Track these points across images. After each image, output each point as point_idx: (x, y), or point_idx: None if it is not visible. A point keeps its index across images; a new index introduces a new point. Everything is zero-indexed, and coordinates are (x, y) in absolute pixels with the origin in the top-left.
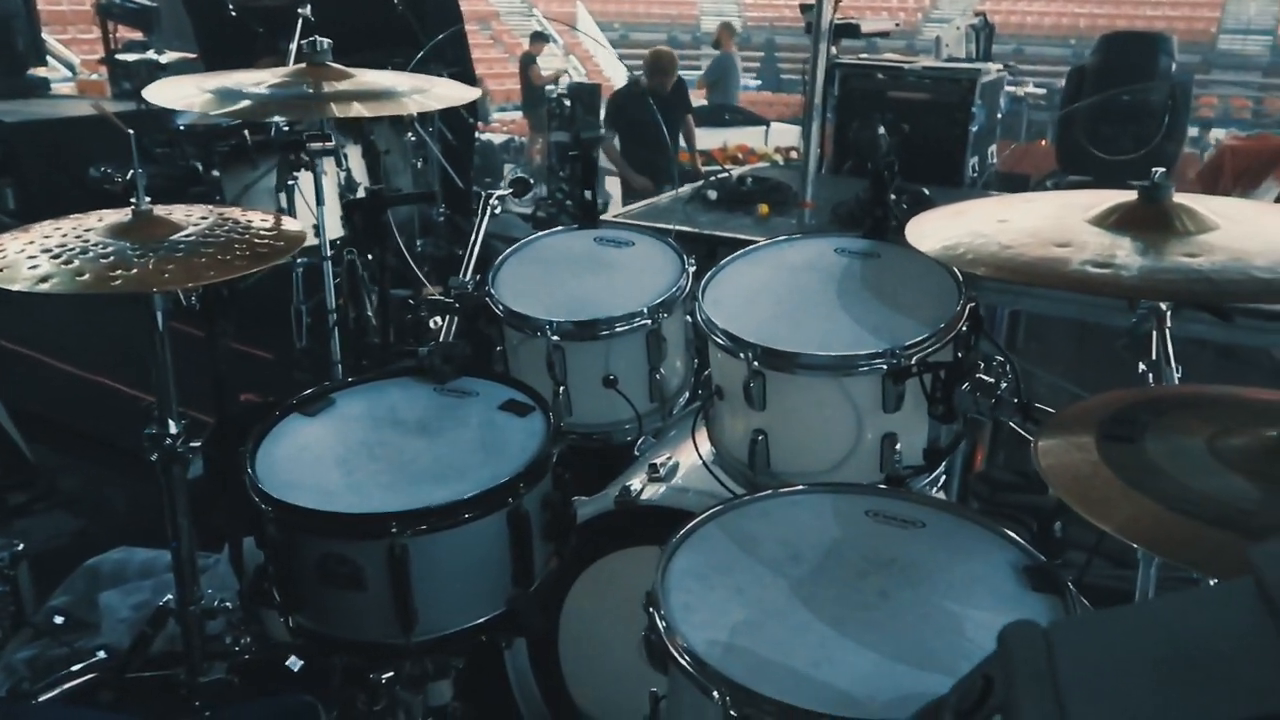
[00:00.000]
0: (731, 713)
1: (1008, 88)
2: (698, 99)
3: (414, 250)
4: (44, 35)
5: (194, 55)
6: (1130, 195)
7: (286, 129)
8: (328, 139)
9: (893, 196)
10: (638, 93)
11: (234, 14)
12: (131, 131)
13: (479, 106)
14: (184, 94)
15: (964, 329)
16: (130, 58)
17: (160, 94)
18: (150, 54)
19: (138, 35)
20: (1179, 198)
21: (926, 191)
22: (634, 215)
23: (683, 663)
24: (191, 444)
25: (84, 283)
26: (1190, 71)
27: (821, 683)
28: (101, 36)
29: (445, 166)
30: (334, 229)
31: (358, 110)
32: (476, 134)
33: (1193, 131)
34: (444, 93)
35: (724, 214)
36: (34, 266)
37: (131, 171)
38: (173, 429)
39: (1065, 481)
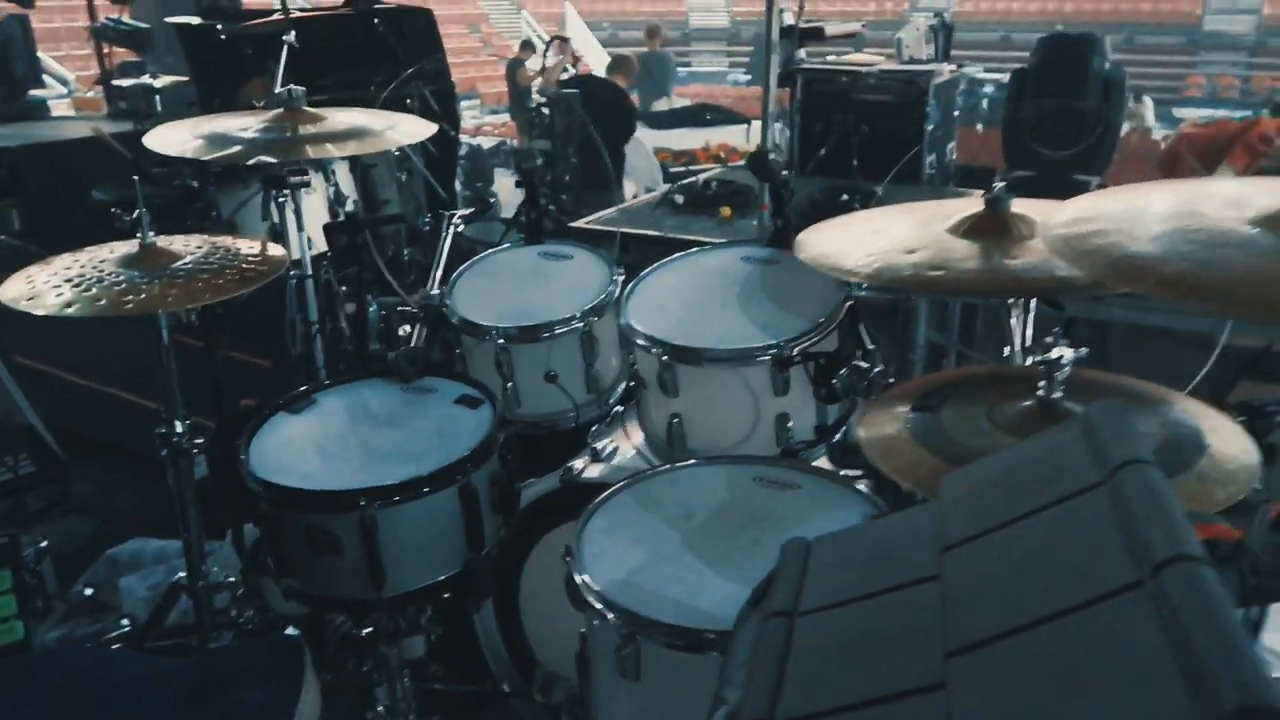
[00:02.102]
0: (623, 632)
1: (989, 75)
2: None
3: (401, 258)
4: (39, 53)
5: (186, 78)
6: (980, 206)
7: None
8: (305, 173)
9: (844, 196)
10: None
11: (224, 39)
12: (137, 178)
13: (457, 116)
14: (179, 139)
15: (844, 323)
16: (126, 83)
17: (159, 140)
18: (145, 78)
19: (132, 55)
20: (1018, 205)
21: (878, 191)
22: (605, 220)
23: (589, 599)
24: (196, 441)
25: (101, 307)
26: (1121, 69)
27: (695, 608)
28: (96, 57)
29: (428, 179)
30: (321, 245)
31: (330, 151)
32: (462, 140)
33: (1190, 113)
34: (409, 129)
35: (689, 217)
36: (59, 294)
37: (137, 211)
38: (179, 428)
39: (875, 445)
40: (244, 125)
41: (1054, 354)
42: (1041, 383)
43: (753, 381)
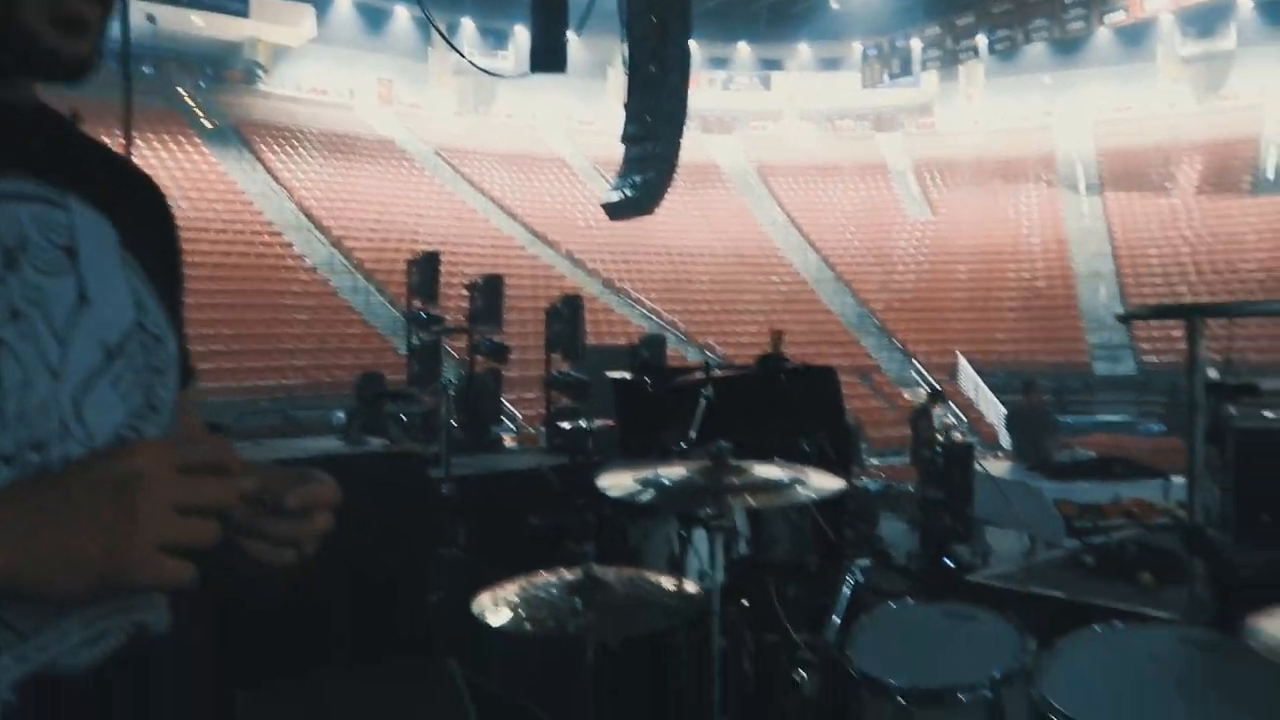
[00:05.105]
0: None
1: None
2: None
3: (786, 595)
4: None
5: (612, 422)
6: None
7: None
8: (723, 515)
9: None
10: None
11: (650, 392)
12: (592, 517)
13: (850, 464)
14: (623, 482)
15: None
16: (566, 425)
17: (607, 481)
18: (581, 422)
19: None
20: None
21: None
22: (1005, 578)
23: None
24: None
25: (550, 628)
26: None
27: None
28: (544, 400)
29: (817, 520)
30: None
31: (749, 501)
32: (854, 481)
33: None
34: (818, 483)
35: (1102, 581)
36: (518, 611)
37: (588, 545)
38: None
39: None
40: (675, 472)
41: None
42: None
43: None
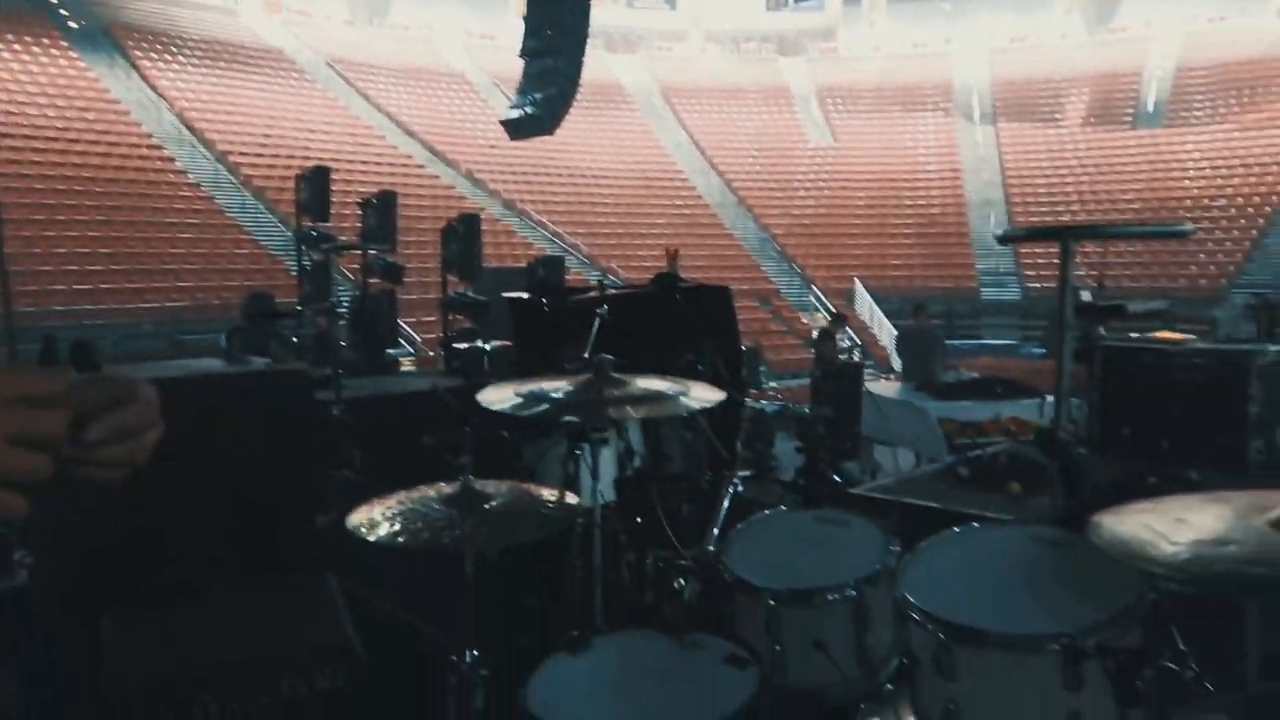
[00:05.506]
0: None
1: None
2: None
3: (679, 512)
4: (398, 320)
5: (511, 342)
6: None
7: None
8: (604, 430)
9: (1151, 480)
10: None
11: (547, 311)
12: (467, 429)
13: (748, 378)
14: (505, 396)
15: (1150, 620)
16: (462, 345)
17: (489, 396)
18: (478, 342)
19: (469, 324)
20: None
21: (1194, 476)
22: (883, 489)
23: None
24: (482, 671)
25: (424, 540)
26: None
27: None
28: (441, 322)
29: (711, 438)
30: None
31: (629, 413)
32: (749, 403)
33: None
34: (700, 395)
35: (975, 492)
36: (391, 525)
37: (465, 459)
38: (469, 658)
39: None
40: (558, 386)
41: None
42: None
43: (1040, 672)
